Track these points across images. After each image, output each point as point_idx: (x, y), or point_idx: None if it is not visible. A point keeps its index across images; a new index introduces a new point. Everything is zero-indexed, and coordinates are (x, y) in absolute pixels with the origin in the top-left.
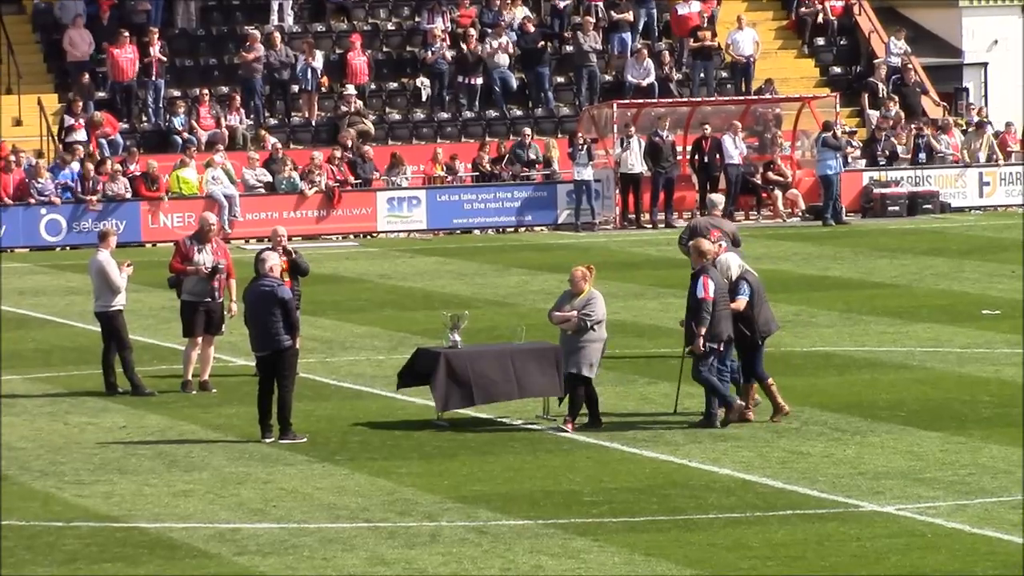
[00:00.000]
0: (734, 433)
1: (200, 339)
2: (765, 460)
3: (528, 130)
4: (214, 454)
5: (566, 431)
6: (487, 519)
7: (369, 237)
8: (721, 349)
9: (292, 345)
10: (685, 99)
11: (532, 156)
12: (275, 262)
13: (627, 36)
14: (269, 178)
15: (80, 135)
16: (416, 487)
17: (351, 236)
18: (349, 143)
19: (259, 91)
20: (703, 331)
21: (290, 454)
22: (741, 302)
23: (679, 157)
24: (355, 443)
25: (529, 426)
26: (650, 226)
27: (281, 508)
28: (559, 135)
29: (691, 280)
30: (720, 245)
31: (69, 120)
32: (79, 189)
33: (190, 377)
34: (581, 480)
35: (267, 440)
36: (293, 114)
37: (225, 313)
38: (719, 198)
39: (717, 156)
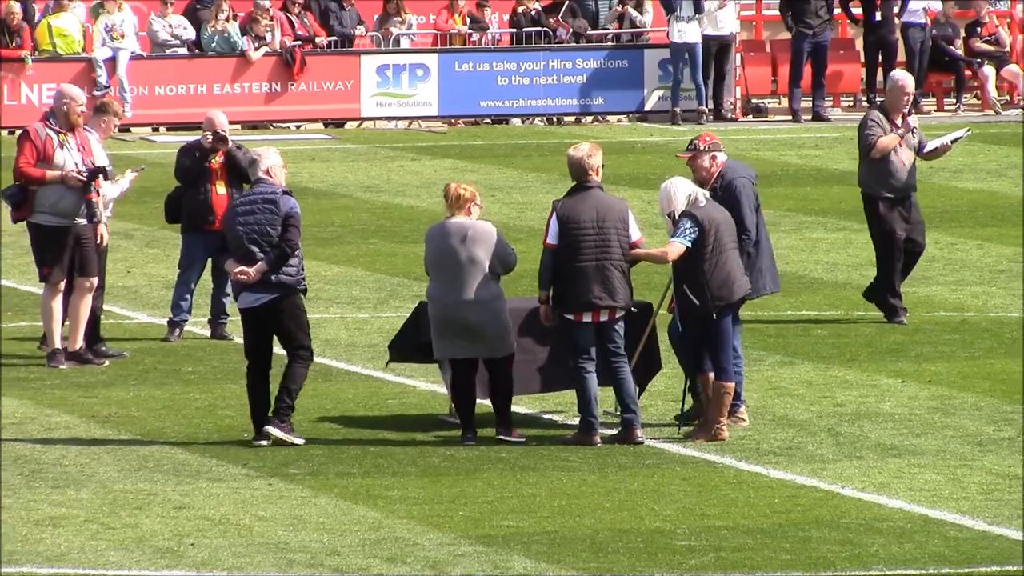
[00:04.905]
0: (912, 446)
1: (62, 284)
2: (960, 487)
3: None
4: (100, 462)
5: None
6: (525, 571)
7: (348, 127)
8: (585, 320)
9: (297, 285)
10: None
11: (605, 4)
12: (276, 161)
13: None
14: (192, 33)
15: None
16: (414, 519)
17: (321, 125)
18: None
19: None
20: (545, 295)
21: (219, 465)
22: (672, 248)
23: (835, 11)
24: (320, 450)
25: None
26: (789, 117)
27: (203, 548)
28: None
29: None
30: (714, 157)
31: None
32: None
33: (58, 344)
34: (673, 514)
35: (263, 443)
36: None
37: (97, 242)
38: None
39: (893, 10)
